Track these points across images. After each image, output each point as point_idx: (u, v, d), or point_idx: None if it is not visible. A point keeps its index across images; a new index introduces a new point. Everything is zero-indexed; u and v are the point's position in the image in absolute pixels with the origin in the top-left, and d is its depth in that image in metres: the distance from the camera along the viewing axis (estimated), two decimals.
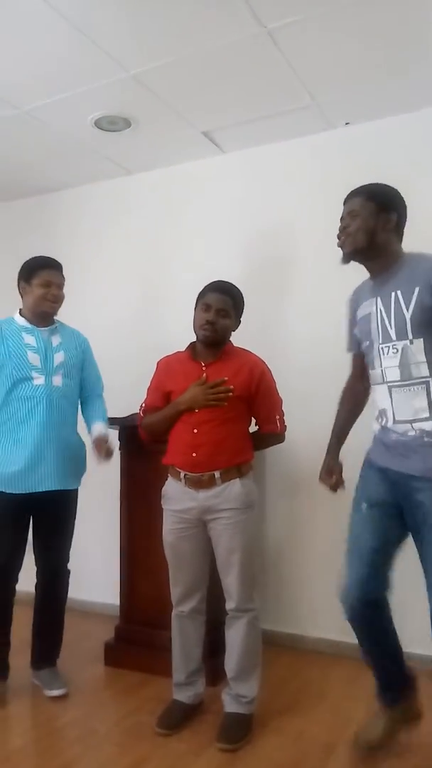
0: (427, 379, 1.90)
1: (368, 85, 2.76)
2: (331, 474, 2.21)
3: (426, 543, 1.91)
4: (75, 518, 2.71)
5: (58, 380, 2.61)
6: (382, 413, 2.01)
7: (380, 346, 1.99)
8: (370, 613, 2.07)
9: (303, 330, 3.09)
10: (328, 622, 2.75)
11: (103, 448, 2.66)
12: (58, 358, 2.64)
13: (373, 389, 2.08)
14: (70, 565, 2.73)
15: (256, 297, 2.97)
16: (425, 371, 1.91)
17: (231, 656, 2.33)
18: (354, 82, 2.75)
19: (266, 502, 3.16)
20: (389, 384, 1.97)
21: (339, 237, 2.06)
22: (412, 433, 1.93)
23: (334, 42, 2.46)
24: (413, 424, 1.92)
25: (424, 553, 1.93)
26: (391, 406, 1.97)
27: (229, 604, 2.32)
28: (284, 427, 2.42)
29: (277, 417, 2.39)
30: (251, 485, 2.34)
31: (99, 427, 2.72)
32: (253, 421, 2.42)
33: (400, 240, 2.07)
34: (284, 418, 2.42)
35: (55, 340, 2.67)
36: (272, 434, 2.41)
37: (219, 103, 2.93)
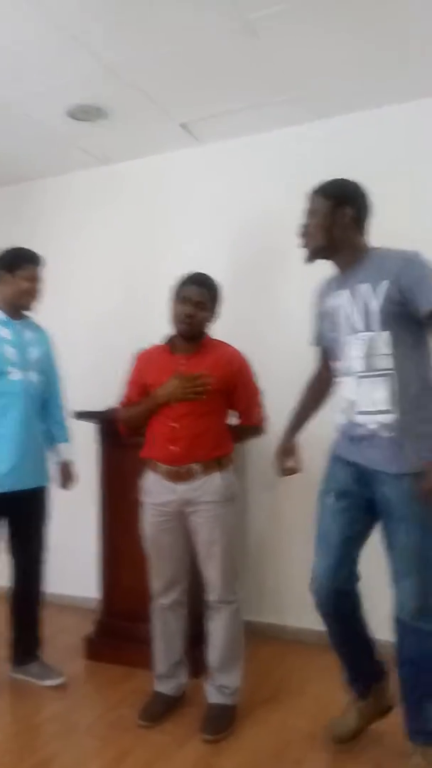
0: (390, 372, 1.94)
1: (350, 77, 2.75)
2: (284, 455, 2.24)
3: (392, 535, 1.96)
4: (48, 513, 2.71)
5: (33, 376, 2.59)
6: (348, 404, 2.04)
7: (347, 337, 2.02)
8: (341, 602, 2.09)
9: (286, 322, 3.09)
10: (310, 612, 2.75)
11: (69, 475, 2.78)
12: (34, 353, 2.61)
13: (340, 381, 2.10)
14: (49, 560, 2.72)
15: (239, 289, 2.98)
16: (388, 364, 1.94)
17: (213, 647, 2.34)
18: (335, 74, 2.73)
19: (248, 494, 3.16)
20: (355, 375, 2.00)
21: (301, 237, 2.09)
22: (372, 425, 1.97)
23: (314, 33, 2.44)
24: (374, 417, 1.96)
25: (389, 545, 1.98)
26: (357, 397, 2.00)
27: (211, 596, 2.32)
28: (264, 420, 2.42)
29: (257, 410, 2.39)
30: (231, 478, 2.34)
31: (65, 451, 2.78)
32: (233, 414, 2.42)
33: (363, 233, 2.09)
34: (264, 410, 2.42)
35: (28, 335, 2.64)
36: (252, 427, 2.41)
37: (197, 94, 2.90)
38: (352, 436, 2.03)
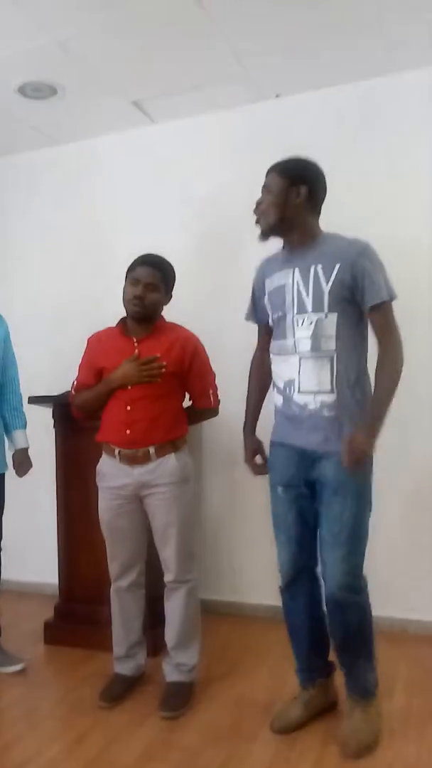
0: (333, 354, 1.99)
1: (300, 55, 2.75)
2: (255, 455, 2.27)
3: (326, 508, 2.02)
4: (4, 500, 2.67)
5: None
6: (289, 384, 2.07)
7: (295, 316, 2.04)
8: (305, 586, 2.16)
9: (240, 303, 3.09)
10: (266, 588, 2.82)
11: (24, 463, 2.71)
12: None
13: (279, 360, 2.12)
14: (7, 547, 2.69)
15: (192, 269, 2.97)
16: (333, 345, 1.99)
17: (171, 626, 2.37)
18: (286, 52, 2.73)
19: (203, 475, 3.20)
20: (300, 354, 2.03)
21: (255, 213, 2.10)
22: (312, 406, 2.01)
23: (264, 8, 2.41)
24: (315, 396, 2.00)
25: (323, 517, 2.04)
26: (299, 376, 2.03)
27: (168, 576, 2.35)
28: (218, 402, 2.44)
29: (211, 391, 2.41)
30: (186, 459, 2.36)
31: (20, 439, 2.72)
32: (187, 396, 2.43)
33: (316, 214, 2.12)
34: (218, 392, 2.43)
35: None
36: (206, 409, 2.43)
37: (148, 71, 2.86)
38: (290, 416, 2.08)
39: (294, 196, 2.05)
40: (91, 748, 2.07)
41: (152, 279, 2.28)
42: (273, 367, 2.16)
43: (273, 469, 2.18)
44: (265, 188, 2.10)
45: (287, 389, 2.08)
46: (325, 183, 2.13)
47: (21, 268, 3.62)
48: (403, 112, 2.91)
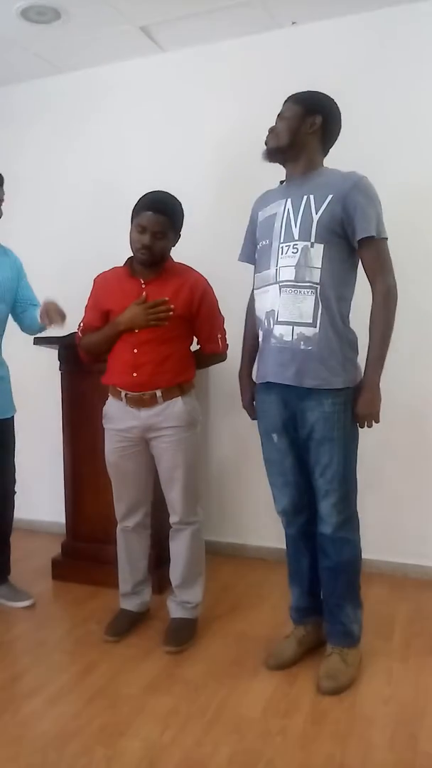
0: (317, 286, 1.96)
1: None
2: (252, 399, 2.26)
3: (315, 455, 2.05)
4: (15, 442, 2.68)
5: None
6: (269, 315, 2.05)
7: (280, 244, 2.01)
8: (306, 526, 2.19)
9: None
10: (269, 530, 2.86)
11: (53, 309, 2.48)
12: None
13: (260, 293, 2.10)
14: (16, 485, 2.72)
15: (204, 208, 2.88)
16: (317, 277, 1.95)
17: (175, 566, 2.41)
18: None
19: (209, 418, 3.19)
20: (281, 284, 2.00)
21: (267, 135, 2.08)
22: (288, 338, 1.99)
23: None
24: (294, 327, 1.98)
25: (313, 463, 2.06)
26: (278, 306, 2.01)
27: (173, 518, 2.37)
28: (226, 346, 2.40)
29: (219, 336, 2.37)
30: (193, 403, 2.34)
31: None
32: (195, 339, 2.39)
33: (324, 150, 2.11)
34: (226, 336, 2.39)
35: None
36: (214, 354, 2.39)
37: None
38: (268, 348, 2.06)
39: (308, 125, 2.04)
40: (98, 680, 2.14)
41: (160, 227, 2.18)
42: (255, 303, 2.14)
43: (262, 416, 2.17)
44: (280, 115, 2.08)
45: (267, 321, 2.06)
46: (340, 120, 2.10)
47: (23, 206, 3.51)
48: (423, 41, 2.76)
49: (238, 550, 3.21)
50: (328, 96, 2.08)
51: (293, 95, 2.10)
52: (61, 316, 2.50)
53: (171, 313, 2.20)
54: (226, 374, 3.00)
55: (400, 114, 2.80)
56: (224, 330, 2.39)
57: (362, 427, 2.05)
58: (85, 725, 1.90)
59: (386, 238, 1.99)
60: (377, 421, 2.03)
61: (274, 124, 2.08)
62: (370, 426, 2.03)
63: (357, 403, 2.00)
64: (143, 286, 2.25)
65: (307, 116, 2.03)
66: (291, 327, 1.98)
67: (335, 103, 2.09)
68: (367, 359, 2.01)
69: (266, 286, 2.05)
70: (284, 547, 2.29)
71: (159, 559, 2.61)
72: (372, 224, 1.93)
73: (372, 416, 2.01)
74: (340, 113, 2.09)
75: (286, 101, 2.10)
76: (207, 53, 3.12)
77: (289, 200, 2.02)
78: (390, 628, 2.44)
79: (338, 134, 2.12)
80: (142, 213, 2.19)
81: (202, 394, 2.68)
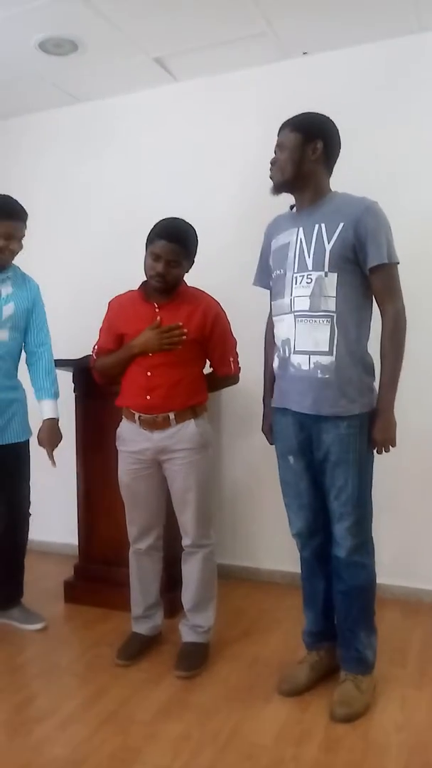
0: (333, 314, 1.96)
1: (326, 13, 2.65)
2: (270, 428, 2.26)
3: (329, 478, 2.04)
4: (29, 465, 2.69)
5: (4, 335, 2.52)
6: (285, 343, 2.06)
7: (294, 274, 2.02)
8: (321, 550, 2.18)
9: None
10: (282, 554, 2.85)
11: (49, 436, 2.58)
12: (7, 310, 2.52)
13: (278, 320, 2.11)
14: (30, 508, 2.73)
15: (215, 234, 2.92)
16: (332, 306, 1.96)
17: (187, 589, 2.40)
18: (311, 10, 2.63)
19: (222, 441, 3.20)
20: (296, 313, 2.01)
21: (270, 170, 2.07)
22: (306, 367, 1.99)
23: None
24: (311, 356, 1.98)
25: (328, 486, 2.05)
26: (294, 336, 2.01)
27: (185, 541, 2.37)
28: (238, 369, 2.42)
29: (231, 359, 2.39)
30: (206, 426, 2.36)
31: (48, 410, 2.59)
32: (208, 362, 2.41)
33: (329, 172, 2.09)
34: (238, 359, 2.41)
35: (5, 290, 2.54)
36: (227, 376, 2.41)
37: (172, 27, 2.77)
38: (286, 378, 2.07)
39: (310, 152, 2.02)
40: (109, 704, 2.13)
41: (174, 255, 2.21)
42: (274, 329, 2.15)
43: (279, 438, 2.17)
44: (279, 146, 2.06)
45: (283, 349, 2.07)
46: (339, 138, 2.09)
47: (40, 231, 3.57)
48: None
49: (251, 574, 3.19)
50: (323, 116, 2.06)
51: (289, 121, 2.06)
52: (53, 446, 2.60)
53: (184, 337, 2.23)
54: (238, 397, 3.03)
55: (411, 143, 2.83)
56: (236, 353, 2.41)
57: (379, 453, 2.04)
58: (97, 750, 1.88)
59: (397, 263, 2.00)
60: (394, 446, 2.03)
61: (273, 155, 2.07)
62: (387, 451, 2.03)
63: (373, 429, 2.00)
64: (157, 310, 2.28)
65: (308, 143, 2.01)
66: (308, 356, 1.99)
67: (331, 121, 2.06)
68: (380, 384, 2.01)
69: (282, 314, 2.07)
70: (298, 570, 2.28)
71: (171, 582, 2.61)
72: (383, 251, 1.94)
73: (388, 441, 2.01)
74: (337, 130, 2.07)
75: (282, 129, 2.07)
76: (220, 83, 3.19)
77: (300, 229, 2.03)
78: (404, 654, 2.41)
79: (339, 151, 2.09)
80: (156, 241, 2.22)
81: (214, 417, 2.69)
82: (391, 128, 2.85)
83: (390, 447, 2.03)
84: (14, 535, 2.70)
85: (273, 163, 2.07)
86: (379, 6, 2.60)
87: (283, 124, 2.08)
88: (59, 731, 1.99)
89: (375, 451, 2.05)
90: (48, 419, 2.61)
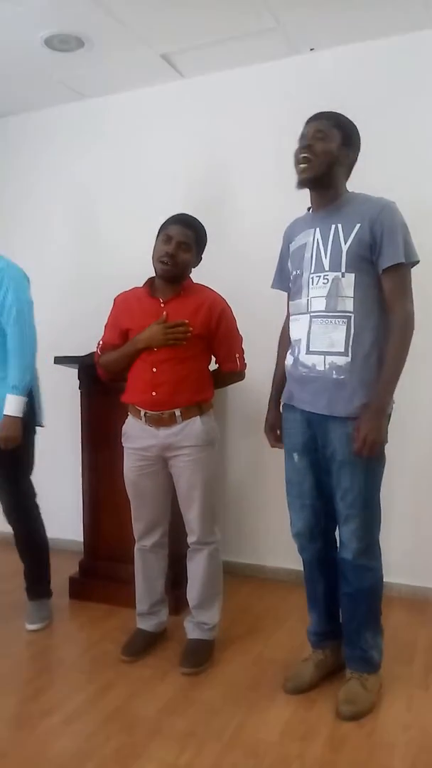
0: (350, 315, 1.94)
1: (335, 7, 2.63)
2: (275, 429, 2.25)
3: (336, 478, 2.01)
4: (27, 457, 2.61)
5: None
6: (297, 343, 2.05)
7: (311, 275, 2.01)
8: (323, 551, 2.17)
9: (268, 265, 3.04)
10: (287, 551, 2.83)
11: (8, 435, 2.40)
12: None
13: (293, 320, 2.10)
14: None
15: (219, 228, 2.91)
16: (350, 306, 1.94)
17: (193, 586, 2.40)
18: (320, 4, 2.61)
19: (228, 438, 3.20)
20: (312, 314, 2.00)
21: (301, 156, 1.98)
22: (321, 367, 1.97)
23: None
24: (326, 357, 1.96)
25: (335, 486, 2.03)
26: (308, 336, 2.00)
27: (191, 538, 2.37)
28: (244, 365, 2.41)
29: (237, 355, 2.38)
30: (211, 423, 2.35)
31: (7, 405, 2.41)
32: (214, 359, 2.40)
33: (348, 178, 2.08)
34: (244, 355, 2.41)
35: None
36: (232, 372, 2.40)
37: (178, 23, 2.76)
38: (297, 377, 2.05)
39: (344, 156, 2.01)
40: (114, 700, 2.13)
41: (185, 238, 2.24)
42: (290, 329, 2.14)
43: (287, 435, 2.16)
44: (318, 132, 1.97)
45: (295, 349, 2.06)
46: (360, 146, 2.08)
47: (46, 226, 3.60)
48: None
49: (257, 571, 3.19)
50: (355, 125, 2.04)
51: (332, 115, 2.00)
52: (8, 443, 2.43)
53: (189, 333, 2.22)
54: (244, 395, 3.03)
55: (421, 139, 2.81)
56: (242, 349, 2.40)
57: (358, 454, 1.92)
58: (101, 746, 1.89)
59: (417, 261, 1.96)
60: (379, 451, 1.95)
61: (292, 147, 2.01)
62: (371, 454, 1.91)
63: (359, 426, 1.91)
64: (162, 305, 2.28)
65: (344, 147, 1.98)
66: (323, 357, 1.97)
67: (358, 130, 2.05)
68: (379, 384, 1.94)
69: (299, 314, 2.06)
70: (302, 569, 2.27)
71: (176, 579, 2.60)
72: (399, 250, 1.90)
73: (373, 443, 1.90)
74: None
75: (322, 118, 1.99)
76: (227, 79, 3.18)
77: (317, 230, 2.01)
78: (410, 653, 2.40)
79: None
80: (170, 225, 2.26)
81: (220, 415, 2.68)
82: (401, 123, 2.83)
83: (373, 450, 1.90)
84: (24, 525, 2.66)
85: (307, 147, 1.96)
86: (388, 0, 2.57)
87: (321, 114, 2.01)
88: (64, 726, 1.99)
89: (356, 450, 1.92)
90: (5, 415, 2.43)
